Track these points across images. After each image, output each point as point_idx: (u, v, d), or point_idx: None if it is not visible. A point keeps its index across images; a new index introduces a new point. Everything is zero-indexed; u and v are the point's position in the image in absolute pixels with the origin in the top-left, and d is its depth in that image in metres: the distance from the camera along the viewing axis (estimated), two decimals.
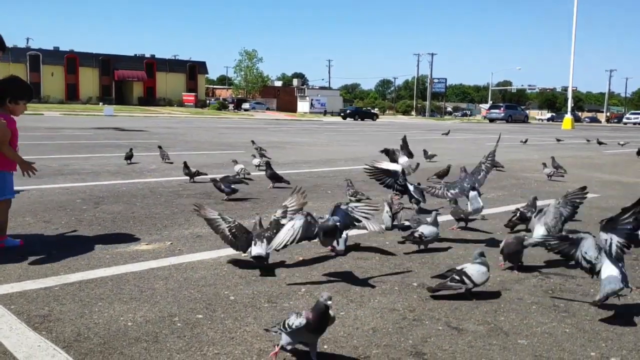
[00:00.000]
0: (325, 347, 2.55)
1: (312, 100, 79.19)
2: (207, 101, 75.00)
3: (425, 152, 11.44)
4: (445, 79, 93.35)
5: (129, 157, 9.46)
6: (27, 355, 2.36)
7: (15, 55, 62.64)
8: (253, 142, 11.24)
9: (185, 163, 7.48)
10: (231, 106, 69.16)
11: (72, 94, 66.36)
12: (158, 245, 4.18)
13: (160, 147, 10.07)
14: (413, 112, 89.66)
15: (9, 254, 3.81)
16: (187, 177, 7.42)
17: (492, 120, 57.61)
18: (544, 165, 9.42)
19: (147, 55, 75.03)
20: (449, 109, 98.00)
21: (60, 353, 2.39)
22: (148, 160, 9.95)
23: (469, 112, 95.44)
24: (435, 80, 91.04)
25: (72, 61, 67.00)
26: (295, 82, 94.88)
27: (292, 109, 76.67)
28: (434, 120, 65.92)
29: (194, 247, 4.16)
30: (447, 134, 23.68)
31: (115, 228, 4.66)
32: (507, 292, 3.42)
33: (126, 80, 70.77)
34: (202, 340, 2.57)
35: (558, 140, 21.77)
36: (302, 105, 78.44)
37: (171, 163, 9.28)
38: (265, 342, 2.57)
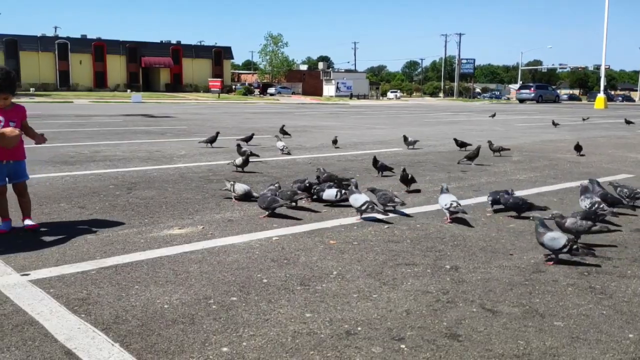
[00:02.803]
0: (359, 328, 2.55)
1: (337, 83, 78.83)
2: (233, 86, 75.24)
3: (405, 138, 10.32)
4: (474, 60, 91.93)
5: (212, 140, 9.65)
6: (67, 337, 2.42)
7: (44, 44, 63.60)
8: (284, 130, 11.22)
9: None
10: (257, 91, 69.30)
11: (100, 82, 67.19)
12: (190, 229, 4.23)
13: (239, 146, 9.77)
14: (441, 94, 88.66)
15: (48, 239, 3.90)
16: (232, 164, 7.54)
17: (522, 100, 56.64)
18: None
19: (173, 41, 75.42)
20: (478, 90, 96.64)
21: (99, 335, 2.44)
22: (177, 147, 10.05)
23: (498, 93, 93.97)
24: (464, 61, 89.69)
25: (99, 49, 67.74)
26: (320, 65, 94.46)
27: (318, 92, 76.45)
28: (462, 102, 65.08)
29: (225, 231, 4.20)
30: (493, 116, 23.05)
31: (148, 213, 4.72)
32: (541, 274, 3.38)
33: (153, 67, 71.34)
34: (238, 322, 2.60)
35: (584, 119, 21.40)
36: (328, 89, 78.15)
37: (257, 155, 8.94)
38: (300, 323, 2.59)
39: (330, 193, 5.02)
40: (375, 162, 6.92)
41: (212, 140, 9.69)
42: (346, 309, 2.77)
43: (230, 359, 2.26)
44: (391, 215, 4.78)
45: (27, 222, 4.16)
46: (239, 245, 3.83)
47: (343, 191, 4.94)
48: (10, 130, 3.89)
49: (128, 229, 4.19)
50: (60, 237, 3.95)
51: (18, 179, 4.17)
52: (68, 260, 3.45)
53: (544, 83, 76.94)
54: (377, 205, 4.57)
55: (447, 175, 7.09)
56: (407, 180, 5.84)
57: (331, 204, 5.06)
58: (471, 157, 7.99)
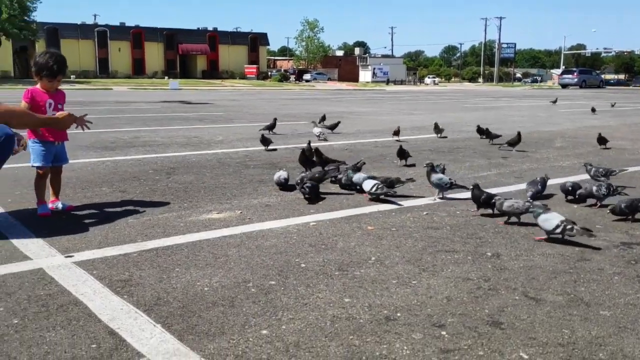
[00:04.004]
0: (398, 314, 2.53)
1: (374, 69, 78.27)
2: (269, 73, 75.48)
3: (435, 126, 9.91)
4: (515, 44, 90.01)
5: (271, 127, 9.68)
6: (110, 317, 2.46)
7: (84, 32, 64.94)
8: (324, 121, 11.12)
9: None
10: (292, 77, 69.34)
11: (138, 69, 68.30)
12: (229, 214, 4.25)
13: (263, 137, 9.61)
14: (480, 79, 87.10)
15: (90, 222, 3.98)
16: (263, 146, 7.55)
17: (564, 86, 55.16)
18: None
19: (210, 28, 76.10)
20: (518, 75, 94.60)
21: (141, 316, 2.48)
22: (215, 132, 10.13)
23: (539, 78, 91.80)
24: (504, 46, 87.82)
25: (137, 36, 68.80)
26: (357, 51, 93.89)
27: (354, 78, 76.09)
28: (502, 87, 63.82)
29: (263, 216, 4.21)
30: (554, 102, 22.41)
31: (187, 197, 4.78)
32: (586, 262, 3.28)
33: (190, 53, 72.13)
34: (277, 306, 2.60)
35: (612, 105, 20.47)
36: (364, 75, 77.69)
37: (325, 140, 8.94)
38: (339, 308, 2.58)
39: (368, 184, 4.89)
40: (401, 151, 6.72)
41: (271, 127, 9.72)
42: (385, 295, 2.75)
43: (269, 342, 2.26)
44: (431, 202, 4.72)
45: (58, 204, 4.25)
46: (276, 230, 3.83)
47: (380, 185, 4.78)
48: (65, 114, 4.02)
49: (168, 213, 4.25)
50: (103, 220, 4.03)
51: (61, 162, 4.26)
52: (110, 243, 3.51)
53: (587, 68, 74.73)
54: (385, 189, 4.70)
55: (488, 162, 6.96)
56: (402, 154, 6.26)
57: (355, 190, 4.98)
58: (512, 143, 7.83)
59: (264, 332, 2.34)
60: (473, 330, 2.39)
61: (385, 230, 3.88)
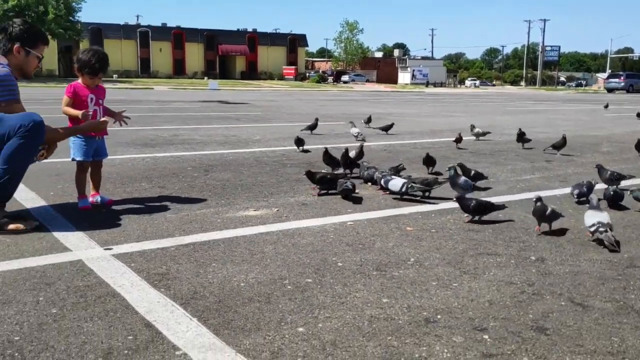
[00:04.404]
0: (438, 316, 2.45)
1: (413, 71, 77.69)
2: (307, 74, 75.71)
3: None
4: (559, 47, 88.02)
5: (312, 127, 9.72)
6: (147, 310, 2.46)
7: (127, 32, 66.38)
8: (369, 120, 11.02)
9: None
10: (330, 79, 69.38)
11: (179, 69, 69.43)
12: (265, 211, 4.23)
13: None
14: (522, 82, 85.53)
15: (129, 216, 4.01)
16: (296, 147, 7.50)
17: (610, 90, 53.64)
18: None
19: (249, 29, 76.76)
20: (562, 78, 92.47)
21: (178, 309, 2.47)
22: (253, 132, 10.17)
23: (584, 82, 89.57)
24: (548, 48, 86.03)
25: (178, 37, 69.95)
26: (396, 52, 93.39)
27: (393, 80, 75.67)
28: (544, 91, 62.51)
29: (299, 214, 4.18)
30: (606, 107, 21.70)
31: (224, 194, 4.78)
32: (636, 269, 3.14)
33: (229, 54, 72.95)
34: (313, 304, 2.56)
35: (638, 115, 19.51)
36: (403, 77, 77.20)
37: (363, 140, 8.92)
38: (376, 308, 2.52)
39: (395, 183, 4.82)
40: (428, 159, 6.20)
41: (312, 127, 9.72)
42: (425, 297, 2.67)
43: (306, 339, 2.21)
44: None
45: (98, 197, 4.31)
46: (313, 229, 3.79)
47: (410, 184, 4.71)
48: (97, 121, 4.06)
49: (205, 209, 4.25)
50: (141, 215, 4.06)
51: (100, 157, 4.31)
52: (148, 237, 3.53)
53: (635, 72, 72.49)
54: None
55: (531, 165, 6.77)
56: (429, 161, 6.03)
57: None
58: (557, 147, 7.61)
59: (300, 329, 2.30)
60: (517, 335, 2.30)
61: (424, 231, 3.79)
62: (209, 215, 4.07)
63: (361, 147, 6.21)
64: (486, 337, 2.28)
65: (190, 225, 3.81)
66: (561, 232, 3.82)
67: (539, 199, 3.76)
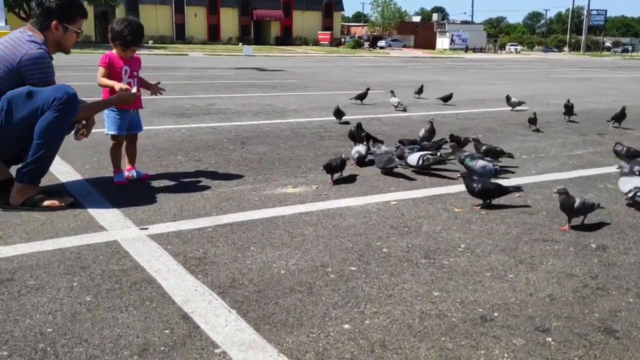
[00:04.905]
0: (496, 314, 2.26)
1: (452, 35, 75.77)
2: (342, 39, 74.59)
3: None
4: (605, 11, 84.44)
5: (362, 97, 9.40)
6: (185, 299, 2.34)
7: None
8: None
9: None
10: (366, 44, 68.22)
11: (213, 35, 69.10)
12: (304, 189, 4.07)
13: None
14: (566, 48, 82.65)
15: (165, 193, 3.90)
16: (335, 118, 7.25)
17: None
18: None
19: None
20: (608, 44, 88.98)
21: (216, 299, 2.34)
22: (288, 101, 9.97)
23: (631, 48, 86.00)
24: (593, 12, 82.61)
25: (213, 2, 69.38)
26: (434, 17, 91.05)
27: (431, 45, 74.03)
28: (589, 57, 60.30)
29: (339, 192, 4.00)
30: None
31: (261, 169, 4.63)
32: None
33: (264, 19, 72.21)
34: (358, 296, 2.39)
35: None
36: (442, 42, 75.44)
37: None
38: (427, 303, 2.34)
39: (412, 158, 4.57)
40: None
41: (362, 97, 9.46)
42: (479, 290, 2.48)
43: (352, 338, 2.06)
44: (524, 181, 4.35)
45: (134, 172, 4.21)
46: (355, 209, 3.61)
47: (426, 156, 4.49)
48: (128, 93, 3.89)
49: (242, 185, 4.11)
50: (178, 191, 3.94)
51: (135, 130, 4.20)
52: (185, 216, 3.41)
53: None
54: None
55: (582, 139, 6.42)
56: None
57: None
58: (617, 118, 7.19)
59: (346, 326, 2.14)
60: (583, 338, 2.09)
61: (474, 213, 3.57)
62: (247, 193, 3.93)
63: (431, 123, 5.65)
64: (549, 339, 2.08)
65: (228, 203, 3.68)
66: (619, 215, 3.55)
67: (563, 190, 3.36)
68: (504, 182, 4.20)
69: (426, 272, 2.66)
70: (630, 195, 3.66)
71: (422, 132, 5.55)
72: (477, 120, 7.80)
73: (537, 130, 6.75)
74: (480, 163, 4.13)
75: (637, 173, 4.37)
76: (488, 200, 3.69)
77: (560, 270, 2.71)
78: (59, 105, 3.38)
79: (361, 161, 4.71)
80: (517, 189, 3.79)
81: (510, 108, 8.83)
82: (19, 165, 3.51)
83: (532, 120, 6.83)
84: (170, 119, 7.34)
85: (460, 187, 4.13)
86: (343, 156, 4.40)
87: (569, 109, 7.83)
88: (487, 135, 6.48)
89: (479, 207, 3.67)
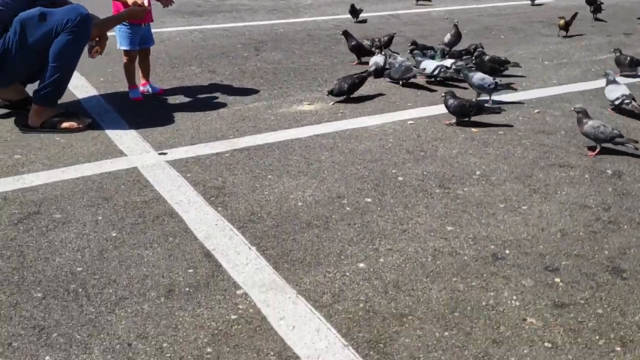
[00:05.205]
0: (507, 251, 2.33)
1: None
2: None
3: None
4: None
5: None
6: (206, 234, 2.42)
7: None
8: None
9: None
10: None
11: None
12: (320, 105, 4.03)
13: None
14: None
15: (182, 112, 3.89)
16: (351, 17, 6.97)
17: None
18: None
19: None
20: None
21: (236, 235, 2.42)
22: None
23: None
24: None
25: None
26: None
27: None
28: None
29: (356, 110, 3.96)
30: None
31: (277, 82, 4.56)
32: None
33: None
34: (373, 231, 2.46)
35: None
36: None
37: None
38: (440, 239, 2.41)
39: (429, 66, 4.44)
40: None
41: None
42: (492, 224, 2.53)
43: (367, 278, 2.15)
44: (542, 95, 4.26)
45: (148, 87, 4.18)
46: (371, 130, 3.60)
47: (443, 68, 4.37)
48: (139, 8, 3.75)
49: (258, 102, 4.08)
50: (194, 109, 3.93)
51: (147, 44, 4.12)
52: (202, 139, 3.43)
53: None
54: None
55: (608, 40, 6.16)
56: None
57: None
58: None
59: (361, 265, 2.23)
60: (590, 279, 2.17)
61: (490, 133, 3.55)
62: (262, 111, 3.91)
63: (456, 27, 5.33)
64: (558, 280, 2.15)
65: (244, 123, 3.68)
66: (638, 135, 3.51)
67: (582, 110, 3.27)
68: (508, 97, 4.13)
69: (440, 203, 2.71)
70: (617, 102, 3.80)
71: (447, 38, 5.34)
72: (501, 17, 7.45)
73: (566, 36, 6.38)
74: (479, 75, 3.98)
75: None
76: (466, 118, 3.64)
77: (574, 201, 2.74)
78: (73, 28, 3.31)
79: (379, 73, 4.61)
80: (496, 110, 3.69)
81: (530, 2, 8.33)
82: (36, 87, 3.50)
83: (565, 26, 6.22)
84: (181, 18, 7.12)
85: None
86: (364, 72, 4.28)
87: (597, 7, 7.32)
88: (509, 36, 6.24)
89: (450, 123, 3.65)
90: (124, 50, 4.01)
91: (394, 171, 3.03)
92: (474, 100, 3.73)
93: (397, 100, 4.16)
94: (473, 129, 3.61)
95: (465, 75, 4.04)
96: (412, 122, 3.73)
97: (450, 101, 3.59)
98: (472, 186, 2.88)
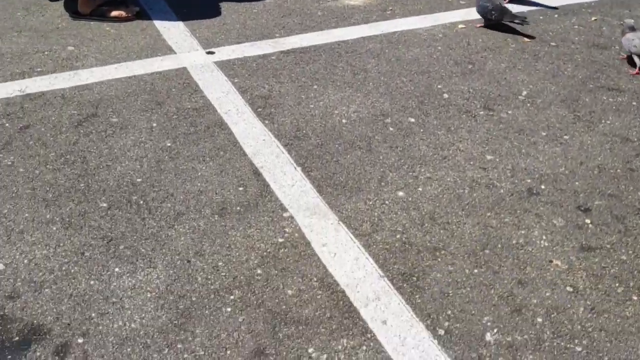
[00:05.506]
0: (543, 187, 2.41)
1: None
2: None
3: None
4: None
5: None
6: (254, 151, 2.55)
7: None
8: None
9: None
10: None
11: None
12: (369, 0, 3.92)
13: None
14: None
15: (228, 3, 3.84)
16: None
17: None
18: None
19: None
20: None
21: (283, 153, 2.54)
22: None
23: None
24: None
25: None
26: None
27: None
28: None
29: (406, 7, 3.84)
30: None
31: None
32: None
33: None
34: (414, 157, 2.55)
35: None
36: None
37: None
38: (479, 169, 2.49)
39: None
40: None
41: None
42: (531, 154, 2.58)
43: (405, 208, 2.29)
44: None
45: None
46: (419, 34, 3.52)
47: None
48: None
49: None
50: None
51: None
52: (249, 36, 3.43)
53: None
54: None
55: None
56: None
57: None
58: None
59: (400, 193, 2.36)
60: (620, 222, 2.26)
61: (543, 44, 3.45)
62: (309, 4, 3.82)
63: None
64: (588, 221, 2.26)
65: (290, 19, 3.63)
66: None
67: (630, 25, 3.11)
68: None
69: (483, 128, 2.75)
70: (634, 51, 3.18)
71: None
72: None
73: None
74: None
75: None
76: (491, 22, 3.55)
77: (617, 133, 2.74)
78: None
79: None
80: (522, 19, 3.46)
81: None
82: None
83: None
84: None
85: (532, 7, 3.89)
86: None
87: None
88: None
89: (481, 26, 3.58)
90: None
91: (439, 86, 3.04)
92: (499, 3, 3.55)
93: None
94: (525, 39, 3.51)
95: None
96: (463, 26, 3.63)
97: (479, 1, 3.50)
98: (517, 108, 2.88)
